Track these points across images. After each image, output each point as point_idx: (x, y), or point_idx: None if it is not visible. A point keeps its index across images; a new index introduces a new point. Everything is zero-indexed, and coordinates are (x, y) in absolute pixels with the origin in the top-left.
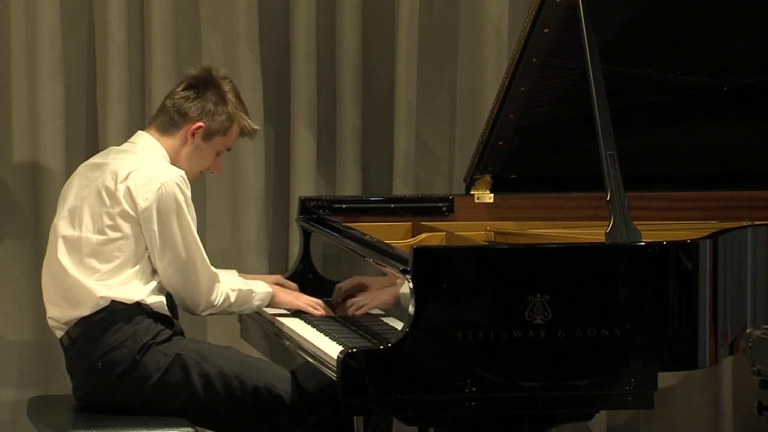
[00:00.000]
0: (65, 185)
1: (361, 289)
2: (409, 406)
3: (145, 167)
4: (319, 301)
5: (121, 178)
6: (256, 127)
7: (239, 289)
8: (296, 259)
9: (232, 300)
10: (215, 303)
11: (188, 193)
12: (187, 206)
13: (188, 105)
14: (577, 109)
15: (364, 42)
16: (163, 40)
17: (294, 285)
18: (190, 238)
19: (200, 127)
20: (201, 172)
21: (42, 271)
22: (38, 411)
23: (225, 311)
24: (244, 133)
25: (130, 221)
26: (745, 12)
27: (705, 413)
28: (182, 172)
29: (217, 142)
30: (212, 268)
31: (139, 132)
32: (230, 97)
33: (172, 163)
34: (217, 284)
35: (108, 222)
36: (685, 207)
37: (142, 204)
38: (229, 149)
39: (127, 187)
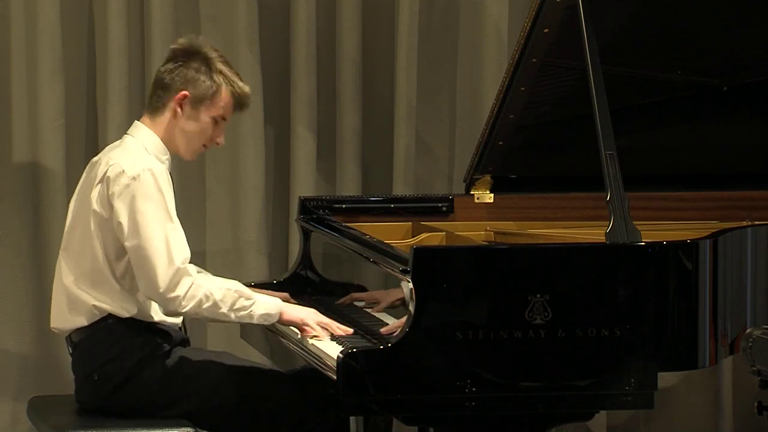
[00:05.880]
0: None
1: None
2: (409, 406)
3: (120, 161)
4: (332, 322)
5: (99, 178)
6: (247, 90)
7: (227, 288)
8: (296, 259)
9: (218, 298)
10: (179, 296)
11: (161, 184)
12: (155, 197)
13: (170, 77)
14: (577, 109)
15: (364, 42)
16: (163, 40)
17: (285, 294)
18: (153, 229)
19: (185, 95)
20: (205, 146)
21: None
22: (38, 411)
23: (214, 313)
24: (237, 99)
25: (107, 225)
26: (745, 12)
27: (705, 413)
28: (154, 164)
29: (208, 108)
30: (179, 264)
31: (135, 122)
32: (216, 62)
33: (169, 142)
34: (186, 278)
35: (91, 229)
36: (685, 207)
37: (112, 198)
38: (224, 118)
39: (103, 187)
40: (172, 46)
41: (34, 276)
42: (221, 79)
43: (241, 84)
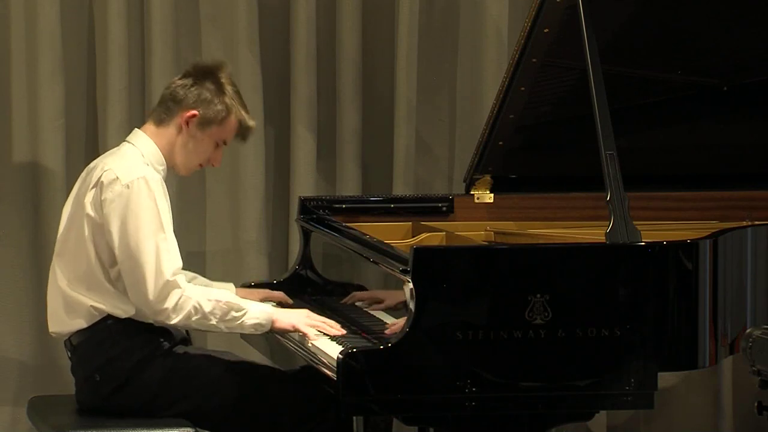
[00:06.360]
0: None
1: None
2: (409, 406)
3: (116, 167)
4: (327, 320)
5: (93, 183)
6: (252, 124)
7: (217, 300)
8: (296, 259)
9: (207, 310)
10: (168, 308)
11: (155, 193)
12: (148, 207)
13: (184, 92)
14: (577, 109)
15: (364, 42)
16: (163, 40)
17: (281, 293)
18: (144, 239)
19: (194, 115)
20: (201, 165)
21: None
22: (38, 411)
23: (203, 324)
24: (241, 130)
25: (100, 229)
26: (745, 12)
27: (705, 413)
28: (150, 173)
29: (214, 132)
30: (169, 276)
31: (135, 130)
32: (229, 89)
33: (168, 155)
34: (176, 290)
35: (85, 233)
36: (685, 207)
37: (104, 204)
38: (225, 143)
39: (97, 192)
40: (194, 62)
41: (34, 276)
42: (232, 107)
43: (247, 117)
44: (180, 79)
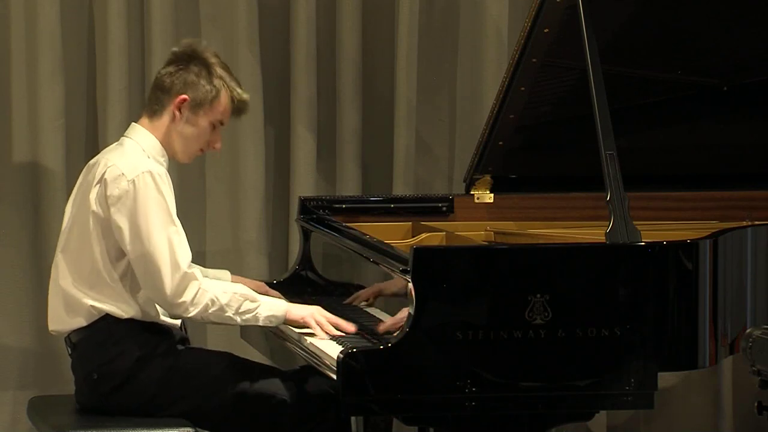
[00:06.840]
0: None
1: (381, 293)
2: (409, 406)
3: (119, 163)
4: (337, 319)
5: (97, 179)
6: (246, 97)
7: (233, 293)
8: (296, 259)
9: (224, 302)
10: (186, 302)
11: (161, 186)
12: (156, 201)
13: (170, 80)
14: (577, 109)
15: (364, 42)
16: (163, 40)
17: (276, 293)
18: (157, 233)
19: (185, 99)
20: (201, 150)
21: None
22: (38, 411)
23: (220, 317)
24: (236, 105)
25: (106, 226)
26: (745, 12)
27: (705, 413)
28: (154, 167)
29: (207, 113)
30: (186, 268)
31: (132, 124)
32: (216, 68)
33: (166, 145)
34: (193, 283)
35: (90, 230)
36: (685, 207)
37: (111, 201)
38: (222, 123)
39: (102, 188)
40: (173, 49)
41: (34, 276)
42: (221, 84)
43: (240, 90)
44: (164, 68)
